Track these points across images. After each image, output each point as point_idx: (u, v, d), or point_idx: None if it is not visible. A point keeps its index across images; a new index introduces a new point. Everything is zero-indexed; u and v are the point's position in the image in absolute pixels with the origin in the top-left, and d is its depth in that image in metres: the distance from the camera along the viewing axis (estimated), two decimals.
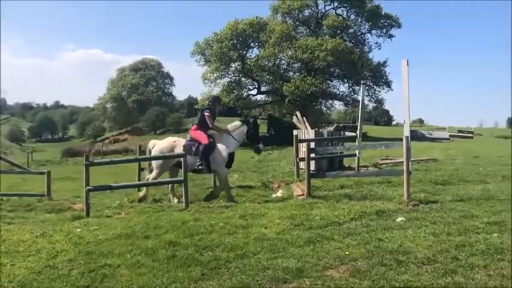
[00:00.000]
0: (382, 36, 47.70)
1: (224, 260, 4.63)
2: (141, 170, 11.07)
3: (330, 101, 50.07)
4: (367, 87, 44.77)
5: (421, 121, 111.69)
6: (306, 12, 47.73)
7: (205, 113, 9.38)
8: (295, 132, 12.56)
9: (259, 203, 8.34)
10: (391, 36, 47.63)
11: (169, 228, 6.04)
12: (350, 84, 45.92)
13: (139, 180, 10.76)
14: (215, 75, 44.46)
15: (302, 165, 10.68)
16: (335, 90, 47.47)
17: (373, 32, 48.02)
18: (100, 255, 4.99)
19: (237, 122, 9.68)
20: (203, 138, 9.14)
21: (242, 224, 6.09)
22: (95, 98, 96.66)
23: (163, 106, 70.81)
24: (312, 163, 11.61)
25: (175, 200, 9.08)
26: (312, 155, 10.72)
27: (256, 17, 44.22)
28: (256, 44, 45.00)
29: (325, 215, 6.44)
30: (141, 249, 5.13)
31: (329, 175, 8.91)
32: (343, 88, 47.53)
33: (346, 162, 13.27)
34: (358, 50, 46.07)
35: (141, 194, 9.38)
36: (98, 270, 4.50)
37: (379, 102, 47.91)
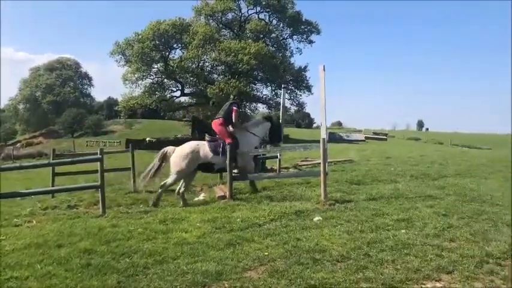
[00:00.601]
0: (303, 41, 49.32)
1: (142, 267, 4.51)
2: (55, 175, 10.49)
3: (254, 104, 50.85)
4: (289, 91, 46.09)
5: (339, 123, 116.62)
6: (229, 16, 48.16)
7: (234, 107, 9.12)
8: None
9: (181, 207, 8.23)
10: (311, 41, 49.41)
11: (85, 235, 5.77)
12: (273, 88, 46.96)
13: (53, 186, 10.19)
14: (136, 76, 43.39)
15: None
16: (258, 93, 48.27)
17: (294, 37, 49.55)
18: (6, 267, 4.64)
19: (259, 118, 9.25)
20: (226, 137, 8.88)
21: (162, 229, 5.97)
22: (4, 99, 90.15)
23: (81, 107, 67.59)
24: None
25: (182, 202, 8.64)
26: None
27: (179, 18, 43.78)
28: (179, 45, 44.58)
29: (246, 216, 6.50)
30: (53, 258, 4.85)
31: (250, 177, 9.02)
32: (266, 91, 48.48)
33: (269, 164, 13.49)
34: (280, 54, 47.23)
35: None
36: (2, 284, 4.19)
37: (300, 105, 49.51)
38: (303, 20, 48.05)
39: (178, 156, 8.79)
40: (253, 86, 47.69)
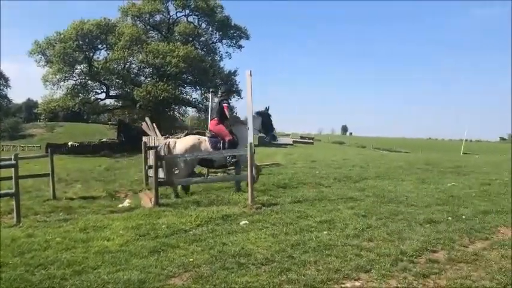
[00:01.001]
0: (232, 46, 49.53)
1: (59, 278, 4.27)
2: None
3: (183, 107, 50.26)
4: (218, 95, 46.07)
5: None
6: (157, 17, 47.24)
7: (224, 104, 9.39)
8: (144, 138, 12.26)
9: (103, 214, 7.92)
10: (240, 46, 49.73)
11: None
12: (202, 91, 46.63)
13: None
14: (58, 77, 41.23)
15: (151, 173, 10.45)
16: (188, 96, 47.76)
17: (224, 41, 49.61)
18: None
19: (255, 115, 9.56)
20: (226, 134, 9.24)
21: (82, 238, 5.71)
22: None
23: None
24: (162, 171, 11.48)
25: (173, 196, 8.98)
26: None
27: (104, 18, 42.27)
28: (105, 46, 42.97)
29: (172, 223, 6.40)
30: None
31: (178, 182, 8.89)
32: (195, 95, 48.08)
33: (197, 168, 13.40)
34: (209, 58, 47.08)
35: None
36: None
37: (231, 109, 49.56)
38: (232, 24, 48.29)
39: (182, 150, 9.14)
40: (182, 89, 47.12)
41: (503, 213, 6.90)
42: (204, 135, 9.93)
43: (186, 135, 13.17)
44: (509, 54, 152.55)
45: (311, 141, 62.37)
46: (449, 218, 6.58)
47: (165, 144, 9.50)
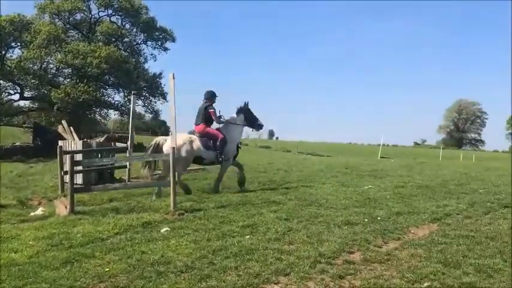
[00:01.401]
0: (157, 48, 48.53)
1: None
2: None
3: (105, 110, 48.41)
4: (143, 98, 44.95)
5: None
6: (78, 16, 45.01)
7: (211, 110, 9.94)
8: (60, 143, 11.61)
9: (12, 224, 7.36)
10: (166, 49, 48.85)
11: None
12: (126, 94, 45.17)
13: None
14: None
15: (67, 178, 9.91)
16: (110, 99, 46.05)
17: (149, 43, 48.46)
18: None
19: (232, 116, 10.37)
20: (217, 134, 9.90)
21: None
22: None
23: None
24: (80, 176, 10.95)
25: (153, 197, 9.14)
26: (79, 167, 10.12)
27: (19, 14, 39.62)
28: (19, 44, 40.31)
29: (87, 231, 6.09)
30: None
31: (95, 189, 8.51)
32: (118, 97, 46.46)
33: (119, 174, 12.93)
34: (133, 59, 45.74)
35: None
36: None
37: (156, 113, 48.57)
38: (158, 26, 47.35)
39: (176, 148, 8.96)
40: (104, 91, 45.35)
41: (414, 214, 7.33)
42: (123, 140, 9.68)
43: (106, 138, 12.67)
44: (419, 68, 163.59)
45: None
46: (366, 219, 6.86)
47: (155, 142, 9.87)
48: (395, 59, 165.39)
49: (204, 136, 9.88)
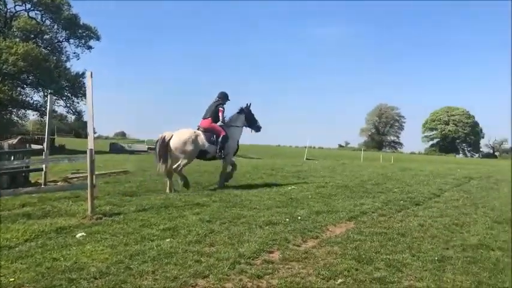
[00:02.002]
0: (80, 46, 46.53)
1: None
2: None
3: (23, 111, 45.65)
4: (64, 98, 42.90)
5: (123, 134, 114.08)
6: None
7: (220, 109, 10.80)
8: None
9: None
10: (90, 47, 47.02)
11: None
12: (45, 94, 42.82)
13: None
14: None
15: None
16: (28, 98, 43.48)
17: (71, 41, 46.37)
18: None
19: (234, 115, 11.26)
20: (221, 130, 10.66)
21: None
22: None
23: None
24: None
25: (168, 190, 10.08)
26: None
27: None
28: None
29: None
30: None
31: (4, 193, 7.94)
32: (37, 97, 43.98)
33: (35, 177, 12.18)
34: (54, 58, 43.52)
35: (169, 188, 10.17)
36: None
37: (79, 113, 46.52)
38: (81, 23, 45.43)
39: (182, 141, 10.23)
40: (22, 90, 42.80)
41: (333, 213, 7.60)
42: (42, 142, 9.16)
43: (19, 140, 11.91)
44: (342, 73, 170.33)
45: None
46: (287, 219, 7.00)
47: (161, 137, 10.38)
48: (323, 62, 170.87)
49: (208, 131, 10.64)
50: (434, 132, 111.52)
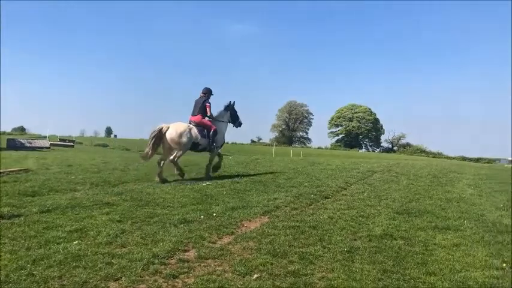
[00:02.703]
0: None
1: None
2: None
3: None
4: None
5: (22, 129, 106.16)
6: None
7: (207, 104, 11.68)
8: None
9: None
10: None
11: None
12: None
13: None
14: None
15: None
16: None
17: None
18: None
19: (221, 111, 12.29)
20: (211, 125, 11.71)
21: None
22: None
23: None
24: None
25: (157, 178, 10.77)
26: None
27: None
28: None
29: None
30: None
31: None
32: None
33: None
34: None
35: (159, 177, 10.81)
36: None
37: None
38: None
39: (178, 133, 11.02)
40: None
41: (248, 208, 7.66)
42: None
43: None
44: (255, 69, 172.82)
45: (71, 143, 58.22)
46: (202, 216, 6.94)
47: (158, 128, 11.01)
48: (235, 59, 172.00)
49: (200, 125, 11.56)
50: (340, 128, 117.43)
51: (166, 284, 4.19)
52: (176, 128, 11.08)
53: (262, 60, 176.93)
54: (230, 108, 12.48)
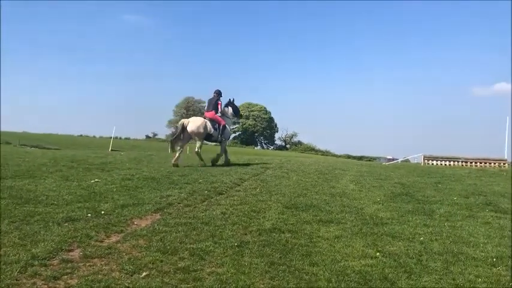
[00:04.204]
0: None
1: None
2: None
3: None
4: None
5: None
6: None
7: (219, 102, 14.82)
8: None
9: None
10: None
11: None
12: None
13: None
14: None
15: None
16: None
17: None
18: None
19: (225, 108, 15.00)
20: (221, 120, 14.71)
21: None
22: None
23: None
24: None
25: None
26: None
27: None
28: None
29: None
30: None
31: None
32: None
33: None
34: None
35: (175, 160, 13.89)
36: None
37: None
38: None
39: (197, 126, 13.93)
40: None
41: (139, 205, 7.47)
42: None
43: None
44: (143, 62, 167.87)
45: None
46: (89, 214, 6.63)
47: (181, 123, 14.19)
48: (130, 51, 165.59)
49: (213, 120, 14.36)
50: (237, 125, 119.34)
51: (46, 286, 3.95)
52: (196, 122, 14.07)
53: (151, 52, 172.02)
54: (231, 104, 15.31)
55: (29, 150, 26.95)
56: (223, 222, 6.76)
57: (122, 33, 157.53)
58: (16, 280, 3.99)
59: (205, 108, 15.18)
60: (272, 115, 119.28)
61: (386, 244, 6.11)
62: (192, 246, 5.40)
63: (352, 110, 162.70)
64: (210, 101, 15.04)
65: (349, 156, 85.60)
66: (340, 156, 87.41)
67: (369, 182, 12.34)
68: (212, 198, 8.80)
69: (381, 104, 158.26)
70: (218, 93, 14.93)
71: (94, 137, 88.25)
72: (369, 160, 70.84)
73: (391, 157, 69.62)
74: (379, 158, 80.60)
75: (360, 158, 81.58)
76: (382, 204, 9.00)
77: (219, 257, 5.09)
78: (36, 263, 4.42)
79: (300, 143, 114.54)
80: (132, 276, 4.34)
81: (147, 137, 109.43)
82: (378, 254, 5.61)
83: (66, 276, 4.18)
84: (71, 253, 4.88)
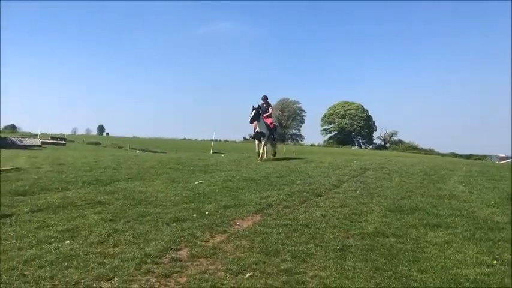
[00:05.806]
0: None
1: None
2: None
3: None
4: None
5: (13, 127, 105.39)
6: None
7: (271, 107, 18.07)
8: None
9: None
10: None
11: None
12: None
13: None
14: None
15: None
16: None
17: None
18: None
19: (255, 112, 16.49)
20: (271, 123, 17.52)
21: None
22: None
23: None
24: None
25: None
26: None
27: None
28: None
29: None
30: None
31: None
32: None
33: None
34: None
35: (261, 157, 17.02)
36: None
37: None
38: None
39: (264, 126, 16.87)
40: None
41: (240, 206, 7.67)
42: None
43: None
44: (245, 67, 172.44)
45: (63, 142, 57.91)
46: (194, 215, 6.93)
47: (254, 126, 16.81)
48: (226, 58, 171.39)
49: (265, 123, 16.91)
50: (332, 125, 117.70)
51: (158, 283, 4.19)
52: (254, 125, 16.71)
53: (251, 59, 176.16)
54: (255, 108, 16.81)
55: (138, 153, 29.01)
56: (324, 224, 6.68)
57: (214, 40, 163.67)
58: (132, 276, 4.29)
59: (260, 114, 16.95)
60: (369, 113, 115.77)
61: (504, 251, 5.60)
62: (293, 248, 5.41)
63: (459, 103, 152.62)
64: (262, 106, 17.37)
65: (455, 155, 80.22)
66: (445, 155, 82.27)
67: (480, 183, 11.44)
68: (311, 200, 8.75)
69: (495, 95, 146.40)
70: (265, 99, 17.59)
71: (196, 140, 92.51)
72: (479, 159, 65.83)
73: (504, 155, 64.04)
74: (490, 156, 74.50)
75: (468, 156, 76.06)
76: (497, 208, 8.28)
77: (321, 260, 5.03)
78: (149, 260, 4.72)
79: (400, 141, 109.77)
80: (236, 276, 4.45)
81: (245, 138, 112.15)
82: (494, 262, 5.16)
83: (176, 275, 4.41)
84: (179, 252, 5.13)
